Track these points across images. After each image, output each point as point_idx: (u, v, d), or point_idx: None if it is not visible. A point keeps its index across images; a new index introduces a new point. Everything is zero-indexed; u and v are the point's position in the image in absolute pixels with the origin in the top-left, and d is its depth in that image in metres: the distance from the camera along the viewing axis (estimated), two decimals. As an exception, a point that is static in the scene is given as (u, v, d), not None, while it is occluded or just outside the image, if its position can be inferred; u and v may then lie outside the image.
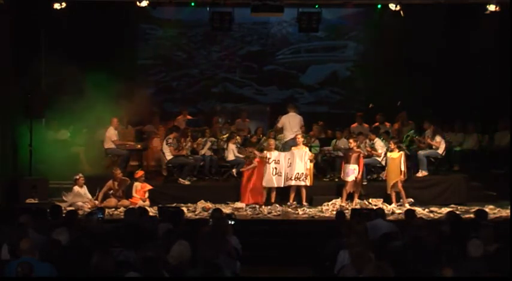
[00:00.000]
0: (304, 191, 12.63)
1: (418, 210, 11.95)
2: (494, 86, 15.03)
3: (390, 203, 12.42)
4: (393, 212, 11.87)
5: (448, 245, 6.92)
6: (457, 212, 10.27)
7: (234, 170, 13.42)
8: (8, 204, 12.05)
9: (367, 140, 13.37)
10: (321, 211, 12.15)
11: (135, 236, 7.16)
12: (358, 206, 12.11)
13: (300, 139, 12.77)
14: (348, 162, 12.48)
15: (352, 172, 12.38)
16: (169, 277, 6.04)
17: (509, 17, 13.15)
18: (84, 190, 12.33)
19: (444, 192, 13.19)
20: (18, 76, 13.09)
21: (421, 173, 13.42)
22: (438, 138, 13.63)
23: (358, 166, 12.40)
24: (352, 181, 12.38)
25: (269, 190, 12.54)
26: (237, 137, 13.95)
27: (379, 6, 14.76)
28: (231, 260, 7.07)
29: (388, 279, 5.41)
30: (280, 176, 12.46)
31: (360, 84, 17.97)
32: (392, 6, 14.05)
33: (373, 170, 13.52)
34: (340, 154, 13.58)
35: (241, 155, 13.43)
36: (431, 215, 11.85)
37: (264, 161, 12.53)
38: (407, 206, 12.10)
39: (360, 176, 12.43)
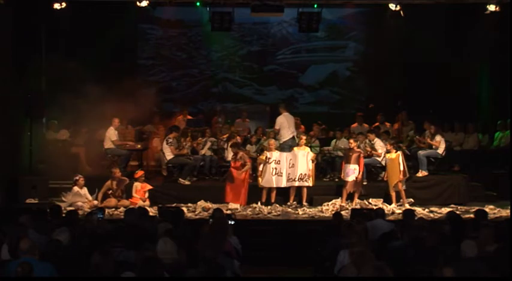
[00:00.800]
0: (305, 192, 12.63)
1: (418, 210, 11.96)
2: (494, 86, 15.04)
3: (390, 203, 12.42)
4: (393, 212, 11.87)
5: (448, 245, 6.92)
6: (457, 212, 10.26)
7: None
8: (8, 204, 12.05)
9: (367, 140, 13.37)
10: (321, 211, 12.15)
11: (135, 236, 7.16)
12: (358, 206, 12.12)
13: (303, 140, 12.77)
14: (348, 162, 12.48)
15: (352, 172, 12.38)
16: (169, 277, 6.04)
17: (509, 17, 13.15)
18: (84, 191, 12.33)
19: (444, 192, 13.19)
20: (19, 76, 13.10)
21: (421, 173, 13.42)
22: (438, 138, 13.63)
23: (359, 166, 12.40)
24: (352, 181, 12.38)
25: (269, 190, 12.53)
26: (237, 137, 13.95)
27: (379, 6, 14.76)
28: (231, 260, 7.07)
29: (388, 279, 5.41)
30: (281, 176, 12.44)
31: (360, 84, 17.99)
32: (392, 6, 14.08)
33: (373, 170, 13.53)
34: (340, 154, 13.59)
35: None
36: (431, 215, 11.85)
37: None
38: (407, 206, 12.10)
39: (360, 176, 12.43)
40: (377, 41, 17.17)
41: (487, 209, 10.99)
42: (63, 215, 9.21)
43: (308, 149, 12.85)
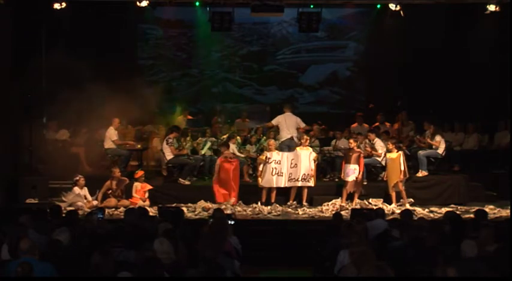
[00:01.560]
0: (306, 192, 12.63)
1: (418, 210, 11.97)
2: (494, 86, 15.04)
3: (390, 203, 12.42)
4: (393, 212, 11.85)
5: (448, 245, 6.92)
6: (457, 212, 10.26)
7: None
8: (8, 204, 12.05)
9: (367, 140, 13.37)
10: (321, 211, 12.15)
11: (135, 236, 7.16)
12: (358, 206, 12.12)
13: (307, 140, 12.77)
14: (348, 162, 12.48)
15: (352, 171, 12.38)
16: (169, 277, 6.04)
17: (509, 17, 13.15)
18: (84, 191, 12.33)
19: (444, 192, 13.19)
20: (19, 76, 13.10)
21: (421, 173, 13.41)
22: (438, 138, 13.63)
23: (359, 165, 12.40)
24: (353, 181, 12.38)
25: (269, 190, 12.52)
26: (237, 137, 13.94)
27: (379, 6, 14.76)
28: (231, 260, 7.07)
29: (388, 279, 5.41)
30: (281, 176, 12.43)
31: (360, 84, 17.99)
32: (392, 6, 14.08)
33: (373, 170, 13.53)
34: (340, 154, 13.59)
35: (242, 155, 13.43)
36: (431, 215, 11.84)
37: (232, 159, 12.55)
38: (408, 206, 12.10)
39: (360, 176, 12.43)
40: (377, 41, 17.17)
41: (487, 209, 10.99)
42: (63, 215, 9.21)
43: (311, 149, 12.85)
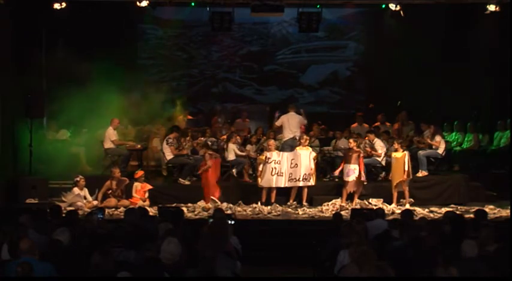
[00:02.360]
0: (306, 191, 12.64)
1: (418, 210, 11.97)
2: (494, 86, 15.04)
3: (390, 203, 12.42)
4: (393, 212, 11.86)
5: (448, 245, 6.92)
6: (457, 212, 10.26)
7: (234, 170, 13.40)
8: (8, 204, 12.05)
9: (367, 140, 13.36)
10: (321, 211, 12.15)
11: (135, 236, 7.16)
12: (358, 206, 12.12)
13: (307, 140, 12.77)
14: (348, 162, 12.48)
15: (352, 172, 12.38)
16: (169, 277, 6.04)
17: (509, 17, 13.15)
18: (84, 192, 12.33)
19: (444, 192, 13.20)
20: (19, 76, 13.10)
21: (421, 173, 13.42)
22: (438, 138, 13.64)
23: (359, 165, 12.39)
24: (353, 181, 12.38)
25: (269, 190, 12.51)
26: (237, 137, 13.95)
27: (383, 6, 14.74)
28: (231, 260, 7.07)
29: (388, 279, 5.41)
30: (281, 176, 12.42)
31: (360, 84, 17.99)
32: (392, 6, 14.07)
33: (373, 170, 13.53)
34: (340, 154, 13.58)
35: (243, 154, 13.43)
36: (431, 215, 11.84)
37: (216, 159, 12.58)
38: (408, 206, 12.09)
39: (363, 176, 12.43)
40: (377, 41, 17.17)
41: (487, 209, 10.99)
42: (63, 215, 9.21)
43: (311, 149, 12.85)
